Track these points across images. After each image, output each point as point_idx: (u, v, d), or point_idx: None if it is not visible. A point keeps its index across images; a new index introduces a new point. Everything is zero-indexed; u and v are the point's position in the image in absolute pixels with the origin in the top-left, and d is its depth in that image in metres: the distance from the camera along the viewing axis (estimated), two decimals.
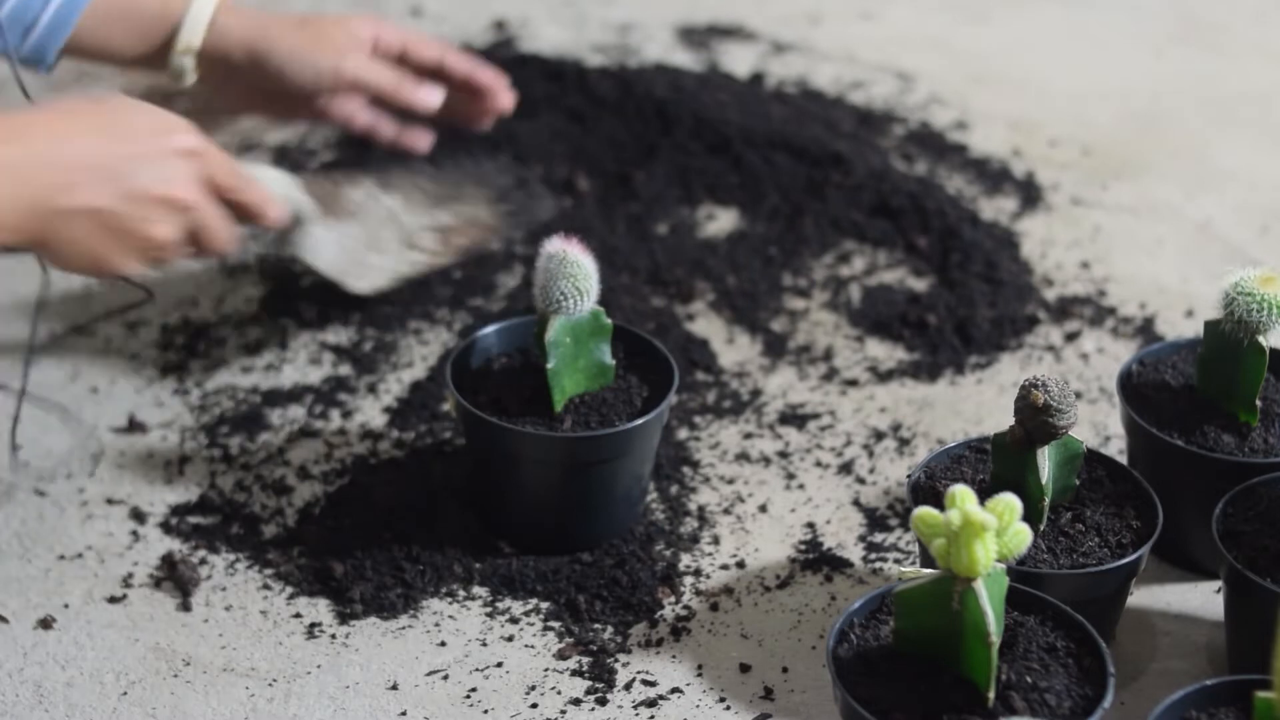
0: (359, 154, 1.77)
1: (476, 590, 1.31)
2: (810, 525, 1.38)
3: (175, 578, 1.31)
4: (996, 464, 1.22)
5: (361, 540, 1.34)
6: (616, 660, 1.25)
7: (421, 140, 1.58)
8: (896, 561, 1.34)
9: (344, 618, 1.28)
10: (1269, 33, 2.12)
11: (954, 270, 1.64)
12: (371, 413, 1.48)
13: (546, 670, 1.25)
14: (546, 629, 1.28)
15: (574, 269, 1.28)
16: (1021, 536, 1.06)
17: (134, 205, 1.20)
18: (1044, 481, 1.20)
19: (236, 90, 1.53)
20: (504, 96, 1.60)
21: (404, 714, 1.21)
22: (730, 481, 1.42)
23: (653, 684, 1.24)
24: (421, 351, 1.55)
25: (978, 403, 1.50)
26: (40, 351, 1.53)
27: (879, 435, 1.47)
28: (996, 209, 1.75)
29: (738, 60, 2.02)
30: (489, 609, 1.30)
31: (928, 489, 1.25)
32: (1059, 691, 1.08)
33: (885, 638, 1.13)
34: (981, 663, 1.06)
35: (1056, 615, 1.14)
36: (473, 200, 1.59)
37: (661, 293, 1.62)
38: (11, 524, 1.36)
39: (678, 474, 1.42)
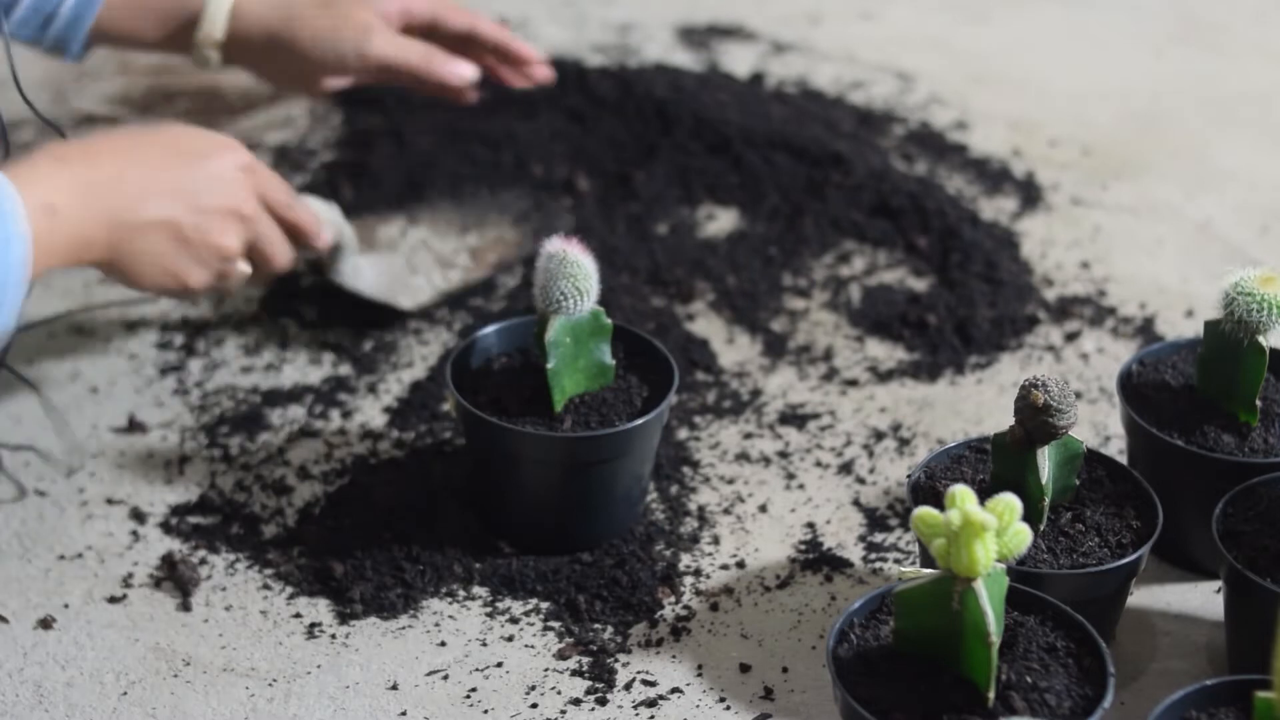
0: (359, 154, 1.77)
1: (476, 590, 1.31)
2: (810, 525, 1.38)
3: (175, 578, 1.31)
4: (996, 464, 1.22)
5: (361, 540, 1.34)
6: (616, 660, 1.25)
7: (466, 71, 1.59)
8: (896, 561, 1.34)
9: (344, 618, 1.28)
10: (1269, 33, 2.12)
11: (954, 270, 1.64)
12: (371, 413, 1.48)
13: (546, 670, 1.25)
14: (546, 629, 1.28)
15: (574, 269, 1.28)
16: (1021, 536, 1.06)
17: (201, 217, 1.29)
18: (1044, 481, 1.20)
19: (265, 71, 1.57)
20: (541, 68, 1.63)
21: (404, 714, 1.21)
22: (730, 481, 1.42)
23: (653, 684, 1.24)
24: (421, 351, 1.55)
25: (978, 403, 1.50)
26: (40, 351, 1.53)
27: (879, 435, 1.47)
28: (996, 209, 1.75)
29: (738, 60, 2.02)
30: (489, 609, 1.30)
31: (928, 489, 1.25)
32: (1059, 691, 1.08)
33: (885, 638, 1.13)
34: (981, 663, 1.06)
35: (1056, 615, 1.14)
36: (496, 223, 1.64)
37: (661, 293, 1.62)
38: (11, 524, 1.36)
39: (678, 474, 1.42)
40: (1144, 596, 1.31)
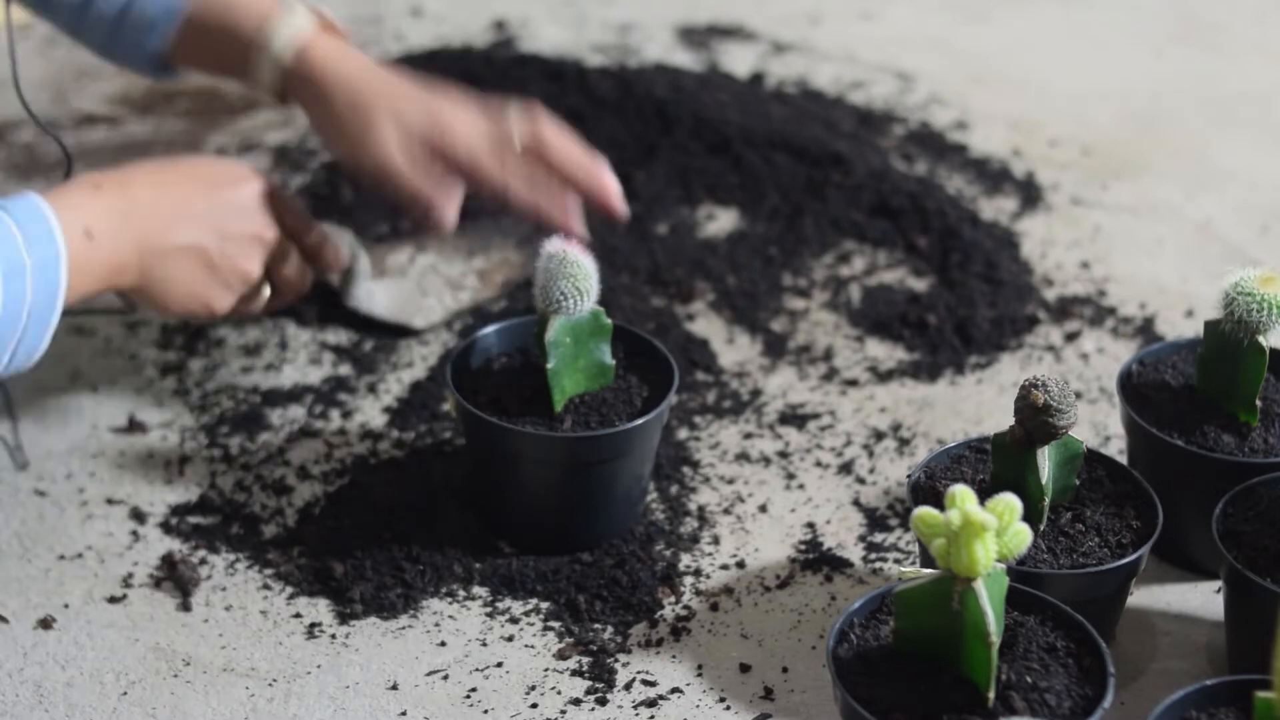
0: None
1: (476, 590, 1.31)
2: (810, 525, 1.38)
3: (175, 578, 1.31)
4: (996, 464, 1.22)
5: (361, 540, 1.34)
6: (616, 660, 1.25)
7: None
8: (896, 561, 1.34)
9: (344, 618, 1.28)
10: (1269, 33, 2.12)
11: (954, 270, 1.64)
12: (371, 413, 1.48)
13: (546, 670, 1.25)
14: (546, 629, 1.28)
15: (574, 269, 1.28)
16: (1021, 536, 1.06)
17: (226, 243, 1.33)
18: (1044, 481, 1.20)
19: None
20: (617, 202, 1.46)
21: (404, 714, 1.21)
22: (730, 481, 1.42)
23: (653, 684, 1.24)
24: (421, 351, 1.55)
25: (978, 403, 1.50)
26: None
27: (879, 435, 1.47)
28: (996, 209, 1.75)
29: (738, 60, 2.02)
30: (489, 609, 1.30)
31: (928, 489, 1.25)
32: (1059, 691, 1.08)
33: (885, 638, 1.13)
34: (981, 663, 1.06)
35: (1056, 615, 1.14)
36: (500, 247, 1.65)
37: (661, 293, 1.62)
38: (11, 524, 1.36)
39: (678, 474, 1.42)
40: (1144, 596, 1.31)
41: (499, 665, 1.25)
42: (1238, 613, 1.21)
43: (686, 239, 1.69)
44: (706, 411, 1.49)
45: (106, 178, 1.29)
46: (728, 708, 1.22)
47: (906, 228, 1.70)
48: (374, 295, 1.55)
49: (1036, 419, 1.18)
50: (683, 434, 1.46)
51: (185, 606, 1.29)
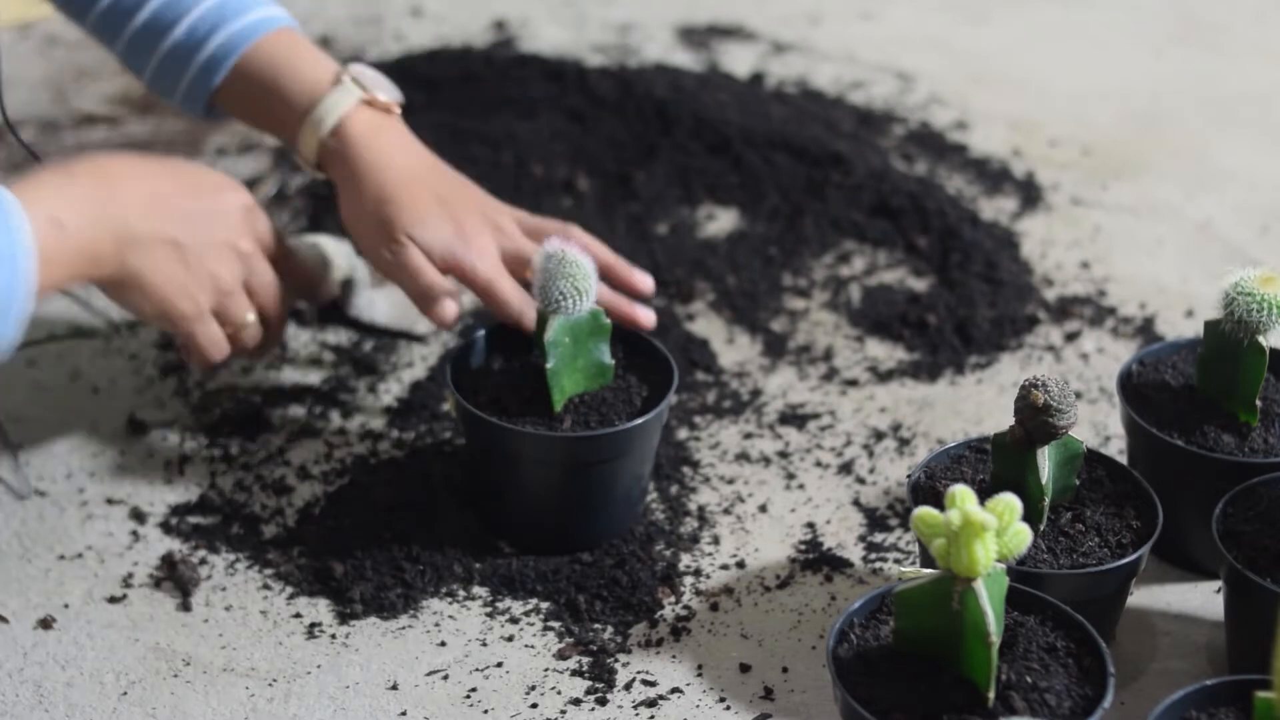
0: None
1: (476, 590, 1.31)
2: (810, 525, 1.38)
3: (175, 578, 1.31)
4: (996, 464, 1.22)
5: (361, 540, 1.34)
6: (616, 660, 1.25)
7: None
8: (896, 561, 1.34)
9: (344, 618, 1.28)
10: (1269, 33, 2.12)
11: (954, 270, 1.64)
12: (371, 413, 1.48)
13: (546, 670, 1.25)
14: (546, 629, 1.28)
15: (573, 269, 1.28)
16: (1021, 536, 1.06)
17: (201, 243, 1.29)
18: (1044, 481, 1.20)
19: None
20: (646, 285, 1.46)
21: (404, 714, 1.21)
22: (730, 481, 1.42)
23: (653, 684, 1.24)
24: (421, 351, 1.55)
25: (978, 403, 1.50)
26: (40, 351, 1.53)
27: (879, 435, 1.47)
28: (996, 209, 1.75)
29: (738, 60, 2.02)
30: (489, 609, 1.30)
31: (928, 489, 1.25)
32: (1059, 691, 1.08)
33: (885, 638, 1.13)
34: (981, 663, 1.06)
35: (1056, 615, 1.14)
36: None
37: (661, 293, 1.62)
38: (11, 524, 1.36)
39: (678, 474, 1.42)
40: (1144, 596, 1.31)
41: (499, 665, 1.25)
42: (1238, 613, 1.21)
43: (686, 239, 1.69)
44: (706, 411, 1.49)
45: (81, 164, 1.25)
46: (728, 708, 1.22)
47: (906, 228, 1.70)
48: (375, 304, 1.55)
49: (1036, 419, 1.18)
50: (683, 434, 1.46)
51: (185, 606, 1.29)
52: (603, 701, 1.22)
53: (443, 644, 1.27)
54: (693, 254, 1.66)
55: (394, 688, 1.23)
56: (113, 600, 1.30)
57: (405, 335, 1.56)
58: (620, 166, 1.76)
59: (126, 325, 1.57)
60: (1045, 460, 1.19)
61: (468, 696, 1.23)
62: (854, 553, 1.35)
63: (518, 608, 1.30)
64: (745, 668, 1.25)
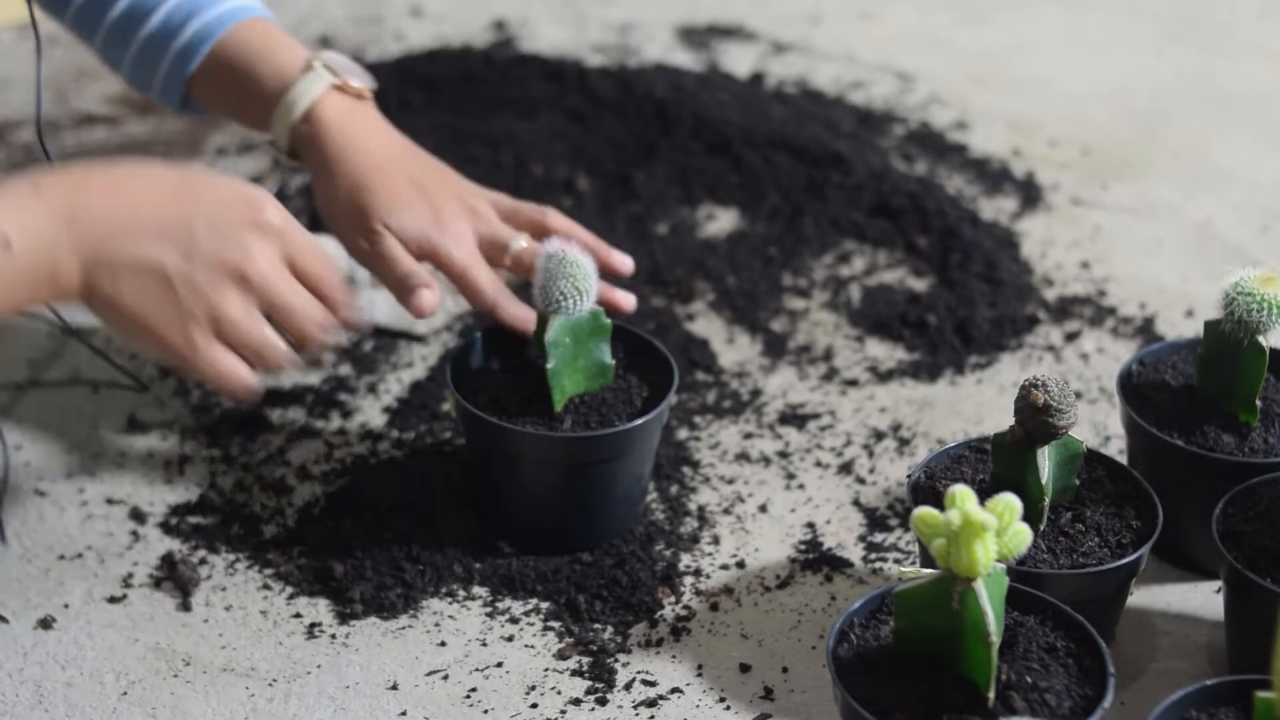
0: None
1: (476, 590, 1.31)
2: (810, 525, 1.38)
3: (175, 578, 1.31)
4: (996, 464, 1.22)
5: (361, 540, 1.34)
6: (616, 660, 1.25)
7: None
8: (896, 561, 1.34)
9: (344, 618, 1.28)
10: (1269, 33, 2.12)
11: (954, 270, 1.64)
12: (371, 413, 1.48)
13: (546, 670, 1.25)
14: (546, 629, 1.28)
15: (573, 269, 1.28)
16: (1021, 536, 1.06)
17: (191, 267, 1.15)
18: (1044, 481, 1.20)
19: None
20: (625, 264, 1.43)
21: (404, 714, 1.21)
22: (730, 481, 1.42)
23: (653, 684, 1.24)
24: (421, 351, 1.55)
25: (978, 403, 1.50)
26: (40, 351, 1.53)
27: (879, 435, 1.47)
28: (996, 209, 1.75)
29: (738, 60, 2.02)
30: (489, 609, 1.30)
31: (928, 489, 1.25)
32: (1059, 691, 1.08)
33: (885, 638, 1.13)
34: (981, 663, 1.06)
35: (1056, 615, 1.14)
36: None
37: (661, 293, 1.62)
38: (11, 524, 1.36)
39: (678, 474, 1.42)
40: (1144, 596, 1.31)
41: (499, 665, 1.25)
42: (1238, 613, 1.21)
43: (686, 239, 1.69)
44: (706, 411, 1.49)
45: (56, 176, 1.14)
46: (728, 708, 1.22)
47: (906, 228, 1.70)
48: (375, 304, 1.55)
49: (1036, 419, 1.18)
50: (683, 434, 1.46)
51: (185, 606, 1.29)
52: (603, 701, 1.22)
53: (443, 644, 1.27)
54: (693, 254, 1.66)
55: (394, 688, 1.23)
56: (113, 600, 1.30)
57: (405, 335, 1.56)
58: (620, 166, 1.76)
59: None
60: (1045, 460, 1.19)
61: (468, 696, 1.23)
62: (854, 553, 1.35)
63: (518, 608, 1.30)
64: (745, 668, 1.25)
